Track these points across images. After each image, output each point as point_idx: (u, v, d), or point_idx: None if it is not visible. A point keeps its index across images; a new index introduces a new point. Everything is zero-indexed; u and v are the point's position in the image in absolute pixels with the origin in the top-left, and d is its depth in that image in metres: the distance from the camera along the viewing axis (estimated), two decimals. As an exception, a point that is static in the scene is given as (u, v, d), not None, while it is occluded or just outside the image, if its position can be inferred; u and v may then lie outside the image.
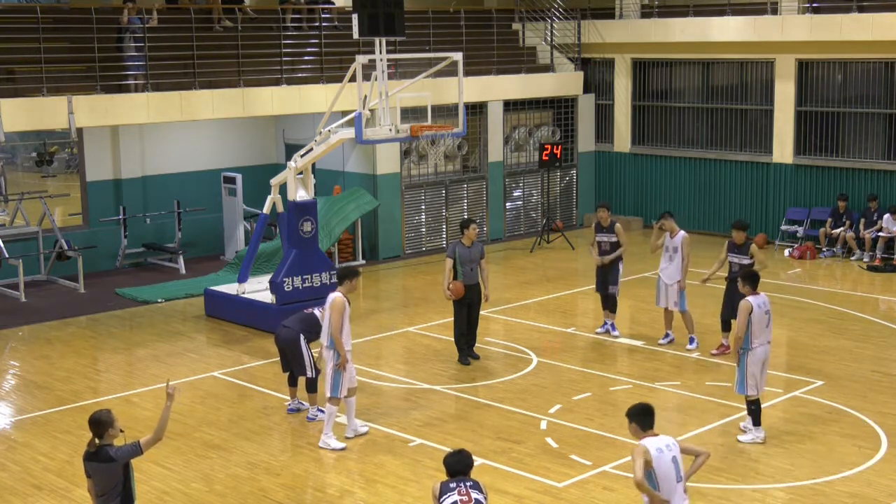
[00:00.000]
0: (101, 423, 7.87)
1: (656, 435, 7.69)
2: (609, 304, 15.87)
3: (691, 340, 15.15)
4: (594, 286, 16.11)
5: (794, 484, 10.71)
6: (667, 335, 15.47)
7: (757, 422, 11.76)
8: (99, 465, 7.85)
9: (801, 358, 14.87)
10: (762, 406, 12.06)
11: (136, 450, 7.83)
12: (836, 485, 10.67)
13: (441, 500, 7.55)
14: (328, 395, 11.71)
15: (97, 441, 7.88)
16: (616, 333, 15.88)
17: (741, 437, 11.83)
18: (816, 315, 17.13)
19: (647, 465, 7.54)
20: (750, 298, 11.54)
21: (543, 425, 12.38)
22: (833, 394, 13.31)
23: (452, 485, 7.64)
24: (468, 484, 7.65)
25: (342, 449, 11.73)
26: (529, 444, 11.80)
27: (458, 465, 7.75)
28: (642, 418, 7.75)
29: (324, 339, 11.83)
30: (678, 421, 12.53)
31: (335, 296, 11.70)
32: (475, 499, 7.54)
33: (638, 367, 14.53)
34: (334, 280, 16.42)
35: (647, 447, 7.55)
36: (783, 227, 22.46)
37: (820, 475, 10.89)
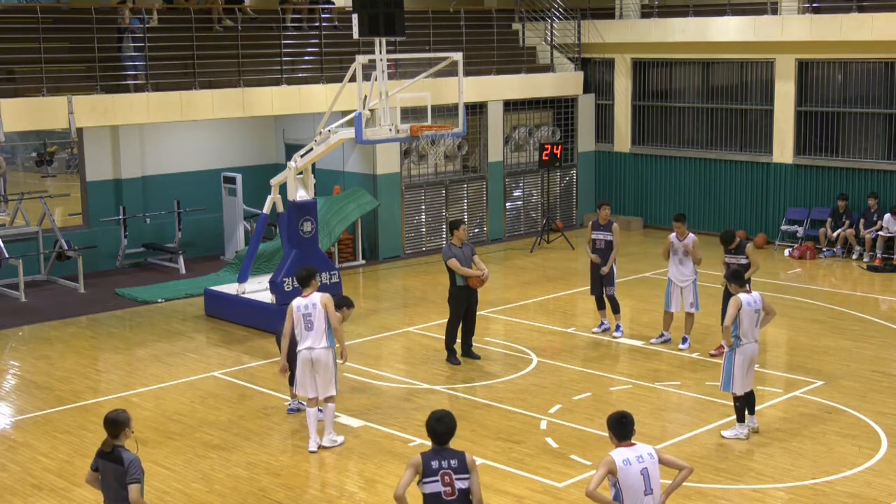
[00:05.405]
0: (117, 423, 7.85)
1: (632, 445, 7.66)
2: (612, 305, 15.86)
3: (684, 340, 15.20)
4: (589, 288, 16.13)
5: (794, 484, 10.71)
6: (662, 335, 15.48)
7: (741, 418, 11.85)
8: (111, 464, 7.83)
9: (800, 358, 14.87)
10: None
11: (140, 484, 7.79)
12: (836, 485, 10.67)
13: (422, 482, 7.35)
14: (333, 392, 11.74)
15: (112, 440, 7.86)
16: (617, 334, 15.87)
17: (725, 433, 11.90)
18: (816, 315, 17.13)
19: (612, 475, 7.54)
20: (741, 295, 11.66)
21: (543, 425, 12.38)
22: (833, 394, 13.31)
23: (434, 464, 7.36)
24: (453, 465, 7.37)
25: (342, 443, 11.83)
26: (529, 444, 11.80)
27: (440, 428, 7.50)
28: (617, 428, 7.71)
29: (321, 340, 11.66)
30: (678, 421, 12.54)
31: (322, 294, 11.80)
32: (458, 489, 7.33)
33: (638, 367, 14.53)
34: (335, 280, 16.54)
35: (614, 458, 7.55)
36: (783, 227, 22.46)
37: (820, 475, 10.89)
